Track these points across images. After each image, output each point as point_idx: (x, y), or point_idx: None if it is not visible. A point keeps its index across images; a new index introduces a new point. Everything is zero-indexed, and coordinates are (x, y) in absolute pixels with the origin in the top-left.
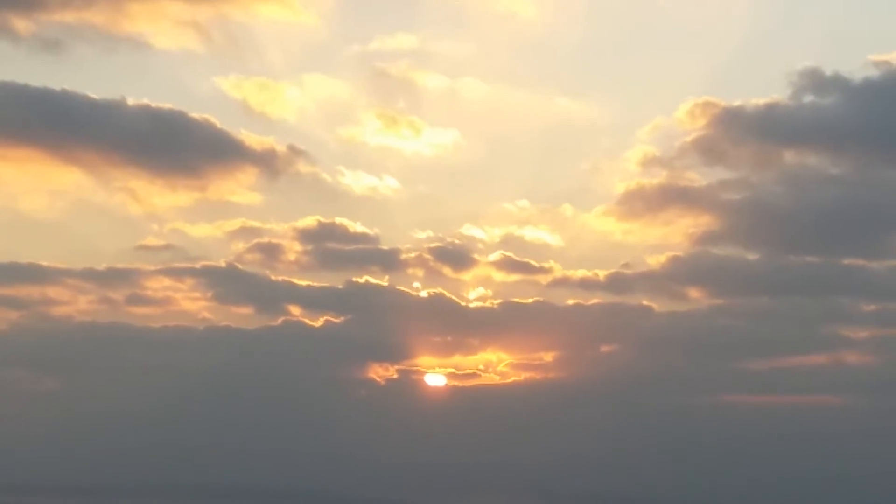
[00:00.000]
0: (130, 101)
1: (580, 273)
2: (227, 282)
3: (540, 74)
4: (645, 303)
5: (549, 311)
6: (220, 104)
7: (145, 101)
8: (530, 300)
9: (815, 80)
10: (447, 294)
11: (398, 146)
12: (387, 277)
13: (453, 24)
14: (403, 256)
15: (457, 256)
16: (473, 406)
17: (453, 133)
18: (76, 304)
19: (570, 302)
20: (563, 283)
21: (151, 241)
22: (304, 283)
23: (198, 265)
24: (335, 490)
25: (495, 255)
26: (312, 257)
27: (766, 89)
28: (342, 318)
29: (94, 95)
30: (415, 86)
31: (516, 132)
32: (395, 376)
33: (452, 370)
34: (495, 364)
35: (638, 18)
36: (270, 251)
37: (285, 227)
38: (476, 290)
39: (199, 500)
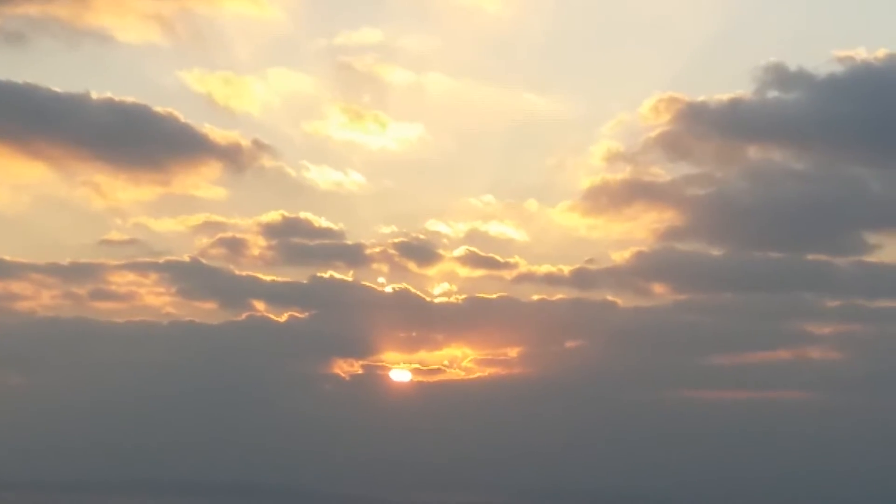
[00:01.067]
0: (94, 95)
1: (545, 268)
2: (191, 277)
3: (505, 69)
4: (609, 298)
5: (514, 307)
6: (184, 98)
7: (109, 94)
8: (495, 295)
9: (780, 76)
10: (412, 289)
11: (363, 141)
12: (351, 272)
13: (419, 19)
14: (368, 251)
15: (422, 252)
16: (438, 402)
17: (418, 128)
18: (39, 299)
19: (535, 297)
20: (527, 278)
21: (115, 235)
22: (268, 278)
23: (161, 260)
24: (299, 485)
25: (460, 251)
26: (277, 252)
27: (730, 85)
28: (307, 314)
29: (57, 89)
30: (380, 80)
31: (481, 127)
32: (360, 372)
33: (417, 366)
34: (460, 360)
35: (603, 14)
36: (234, 246)
37: (249, 221)
38: (441, 285)
39: (160, 495)
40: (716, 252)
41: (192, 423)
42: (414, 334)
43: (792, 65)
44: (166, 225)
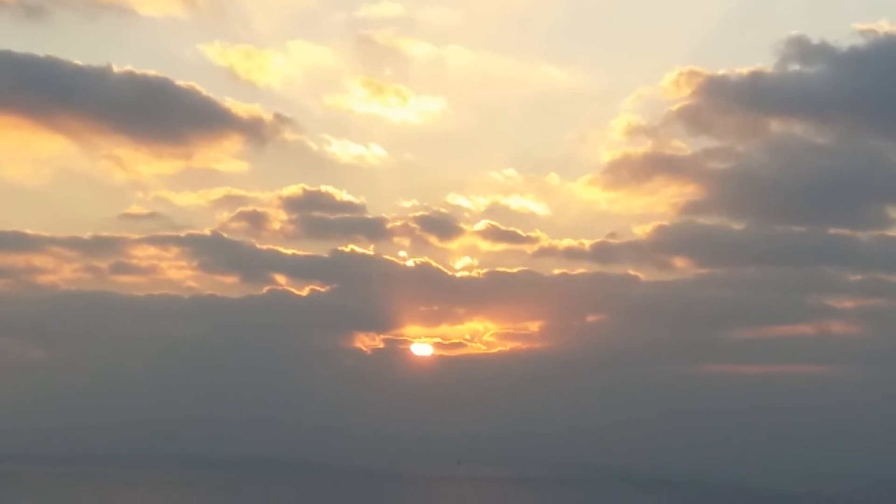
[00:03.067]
0: (115, 69)
1: (566, 242)
2: (212, 250)
3: (526, 43)
4: (631, 272)
5: (535, 281)
6: (205, 71)
7: (130, 68)
8: (516, 270)
9: (801, 49)
10: (433, 263)
11: (384, 114)
12: (373, 246)
13: None
14: (389, 225)
15: (443, 225)
16: (459, 376)
17: (440, 101)
18: (61, 273)
19: (556, 271)
20: (549, 252)
21: (136, 209)
22: (289, 251)
23: (183, 234)
24: (320, 459)
25: (481, 225)
26: (298, 226)
27: (751, 58)
28: (328, 288)
29: (78, 62)
30: (401, 53)
31: (503, 101)
32: (382, 346)
33: (439, 340)
34: (481, 334)
35: None
36: (256, 220)
37: (271, 195)
38: (462, 259)
39: (182, 468)
40: (737, 226)
41: (212, 397)
42: (435, 308)
43: (813, 38)
44: (187, 199)
